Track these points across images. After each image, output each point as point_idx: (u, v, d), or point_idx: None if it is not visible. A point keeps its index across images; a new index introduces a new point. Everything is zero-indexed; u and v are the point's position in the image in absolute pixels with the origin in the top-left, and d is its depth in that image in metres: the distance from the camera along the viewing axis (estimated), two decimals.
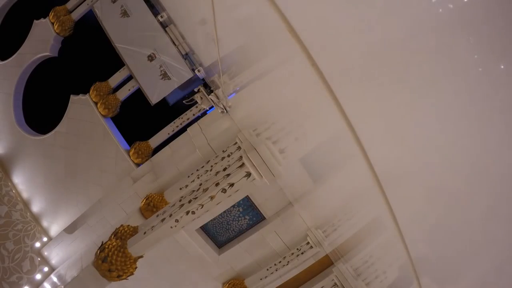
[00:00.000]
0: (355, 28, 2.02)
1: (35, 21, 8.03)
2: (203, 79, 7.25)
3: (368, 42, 2.00)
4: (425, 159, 2.36)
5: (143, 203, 6.47)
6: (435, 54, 1.82)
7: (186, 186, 6.36)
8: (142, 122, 8.60)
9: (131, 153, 7.55)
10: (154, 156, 7.18)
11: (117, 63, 7.73)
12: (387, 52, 1.97)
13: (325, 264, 7.12)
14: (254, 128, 5.92)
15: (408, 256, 3.27)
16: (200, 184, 4.05)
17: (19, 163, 8.28)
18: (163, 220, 4.13)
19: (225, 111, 6.21)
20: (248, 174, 3.74)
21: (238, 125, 6.46)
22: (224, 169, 3.92)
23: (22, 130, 8.21)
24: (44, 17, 7.98)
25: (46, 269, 7.86)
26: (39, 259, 7.86)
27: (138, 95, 7.77)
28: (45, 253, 7.88)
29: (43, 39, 7.95)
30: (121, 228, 4.60)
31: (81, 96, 7.84)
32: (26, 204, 8.22)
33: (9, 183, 8.22)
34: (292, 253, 7.11)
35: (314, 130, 3.50)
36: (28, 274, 7.74)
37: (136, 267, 4.36)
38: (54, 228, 8.18)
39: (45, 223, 8.23)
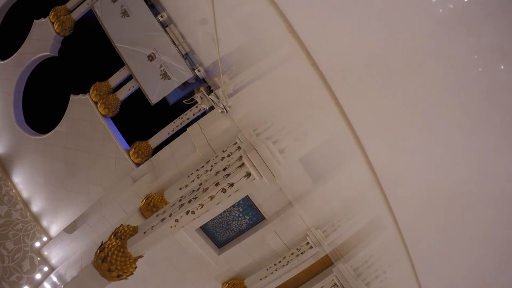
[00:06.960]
0: (355, 28, 2.02)
1: (35, 21, 8.03)
2: (203, 79, 7.25)
3: (368, 42, 2.00)
4: (425, 160, 2.36)
5: (143, 203, 6.47)
6: (435, 54, 1.82)
7: (186, 186, 6.36)
8: (142, 122, 8.60)
9: (131, 153, 7.55)
10: (154, 156, 7.17)
11: (117, 63, 7.74)
12: (387, 52, 1.97)
13: (325, 264, 7.12)
14: (254, 128, 5.93)
15: (408, 256, 3.27)
16: (200, 184, 4.05)
17: (19, 162, 8.28)
18: (163, 220, 4.13)
19: (225, 111, 6.20)
20: (248, 174, 3.73)
21: (238, 125, 6.45)
22: (224, 169, 3.92)
23: (22, 129, 8.21)
24: (44, 17, 7.99)
25: (46, 268, 7.86)
26: (39, 258, 7.87)
27: (138, 95, 7.77)
28: (45, 253, 7.89)
29: (43, 38, 7.95)
30: (121, 228, 4.60)
31: (81, 96, 7.84)
32: (26, 204, 8.22)
33: (9, 183, 8.23)
34: (292, 253, 7.10)
35: (314, 130, 3.51)
36: (28, 273, 7.74)
37: (136, 267, 4.36)
38: (54, 227, 8.19)
39: (45, 223, 8.24)
